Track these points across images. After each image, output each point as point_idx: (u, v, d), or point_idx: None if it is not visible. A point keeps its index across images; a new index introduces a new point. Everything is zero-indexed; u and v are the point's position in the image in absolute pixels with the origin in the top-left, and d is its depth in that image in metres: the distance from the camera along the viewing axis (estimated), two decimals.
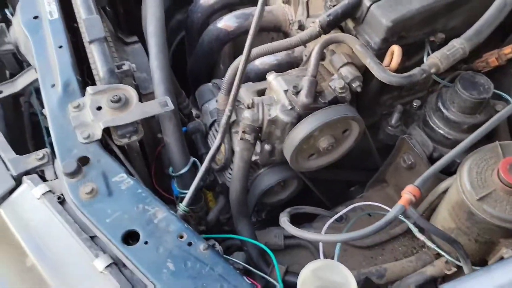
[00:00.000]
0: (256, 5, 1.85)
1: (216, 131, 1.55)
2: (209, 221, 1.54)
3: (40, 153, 1.32)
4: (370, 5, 1.31)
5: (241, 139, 1.28)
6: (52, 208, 1.19)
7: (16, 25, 1.61)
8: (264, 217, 1.78)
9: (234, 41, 1.89)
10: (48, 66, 1.45)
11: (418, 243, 1.47)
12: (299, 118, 1.27)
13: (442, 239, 1.13)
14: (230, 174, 1.51)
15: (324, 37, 1.34)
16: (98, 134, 1.28)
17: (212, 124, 1.57)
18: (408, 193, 1.07)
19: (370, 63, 1.25)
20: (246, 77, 1.57)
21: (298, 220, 1.60)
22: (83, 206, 1.17)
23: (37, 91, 1.98)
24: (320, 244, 1.35)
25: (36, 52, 1.48)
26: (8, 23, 1.80)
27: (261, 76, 1.70)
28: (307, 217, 1.56)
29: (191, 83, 1.99)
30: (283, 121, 1.27)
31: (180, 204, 1.21)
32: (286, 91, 1.29)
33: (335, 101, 1.30)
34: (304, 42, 1.38)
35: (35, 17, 1.57)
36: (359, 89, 1.29)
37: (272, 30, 1.81)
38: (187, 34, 1.95)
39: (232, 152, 1.45)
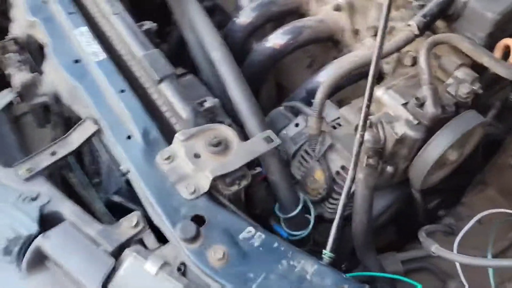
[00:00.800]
0: (298, 17, 1.74)
1: (303, 158, 1.39)
2: None
3: (133, 218, 1.12)
4: None
5: (366, 165, 1.13)
6: (178, 283, 0.99)
7: (52, 72, 1.38)
8: None
9: None
10: (113, 115, 1.24)
11: None
12: (428, 132, 1.14)
13: None
14: (331, 204, 1.35)
15: (427, 40, 1.22)
16: (205, 187, 1.09)
17: (296, 152, 1.40)
18: None
19: (490, 60, 1.15)
20: (312, 95, 1.42)
21: None
22: (219, 274, 0.98)
23: None
24: (458, 265, 1.24)
25: (94, 101, 1.26)
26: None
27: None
28: None
29: None
30: (412, 138, 1.13)
31: (325, 250, 1.05)
32: (405, 104, 1.16)
33: (457, 107, 1.18)
34: (400, 48, 1.26)
35: (77, 61, 1.35)
36: (480, 91, 1.18)
37: (325, 41, 1.68)
38: None
39: (333, 180, 1.31)
